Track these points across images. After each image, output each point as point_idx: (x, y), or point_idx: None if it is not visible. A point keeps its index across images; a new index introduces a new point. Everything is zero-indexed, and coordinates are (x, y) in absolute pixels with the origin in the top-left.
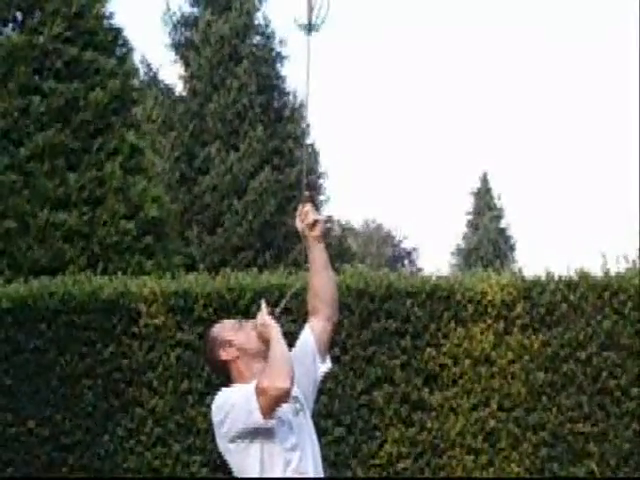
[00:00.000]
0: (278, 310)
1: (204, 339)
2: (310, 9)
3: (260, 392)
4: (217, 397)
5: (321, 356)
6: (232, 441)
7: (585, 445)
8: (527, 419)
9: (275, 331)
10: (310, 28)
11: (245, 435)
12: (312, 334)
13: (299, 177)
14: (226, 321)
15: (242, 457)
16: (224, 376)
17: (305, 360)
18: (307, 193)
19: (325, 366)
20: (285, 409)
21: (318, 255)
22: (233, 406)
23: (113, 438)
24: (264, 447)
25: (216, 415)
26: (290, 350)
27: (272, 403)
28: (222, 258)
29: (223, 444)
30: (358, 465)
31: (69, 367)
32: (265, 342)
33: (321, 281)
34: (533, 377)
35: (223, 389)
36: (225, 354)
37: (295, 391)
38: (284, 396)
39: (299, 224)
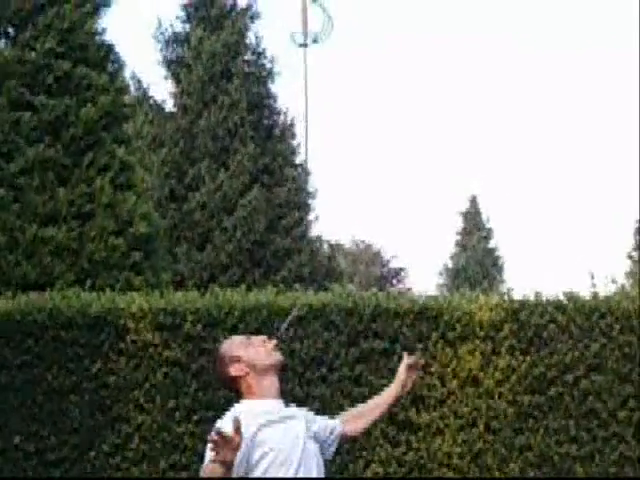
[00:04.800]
0: (283, 327)
1: (214, 355)
2: (305, 26)
3: None
4: (223, 417)
5: (330, 447)
6: None
7: (572, 467)
8: (514, 441)
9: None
10: (306, 44)
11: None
12: (342, 431)
13: (289, 196)
14: (235, 337)
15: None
16: (234, 391)
17: (323, 436)
18: (420, 360)
19: (328, 453)
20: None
21: (394, 397)
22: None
23: (99, 454)
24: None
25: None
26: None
27: None
28: (211, 275)
29: None
30: None
31: (56, 383)
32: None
33: (377, 412)
34: (520, 399)
35: (229, 410)
36: (234, 370)
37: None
38: None
39: (403, 374)
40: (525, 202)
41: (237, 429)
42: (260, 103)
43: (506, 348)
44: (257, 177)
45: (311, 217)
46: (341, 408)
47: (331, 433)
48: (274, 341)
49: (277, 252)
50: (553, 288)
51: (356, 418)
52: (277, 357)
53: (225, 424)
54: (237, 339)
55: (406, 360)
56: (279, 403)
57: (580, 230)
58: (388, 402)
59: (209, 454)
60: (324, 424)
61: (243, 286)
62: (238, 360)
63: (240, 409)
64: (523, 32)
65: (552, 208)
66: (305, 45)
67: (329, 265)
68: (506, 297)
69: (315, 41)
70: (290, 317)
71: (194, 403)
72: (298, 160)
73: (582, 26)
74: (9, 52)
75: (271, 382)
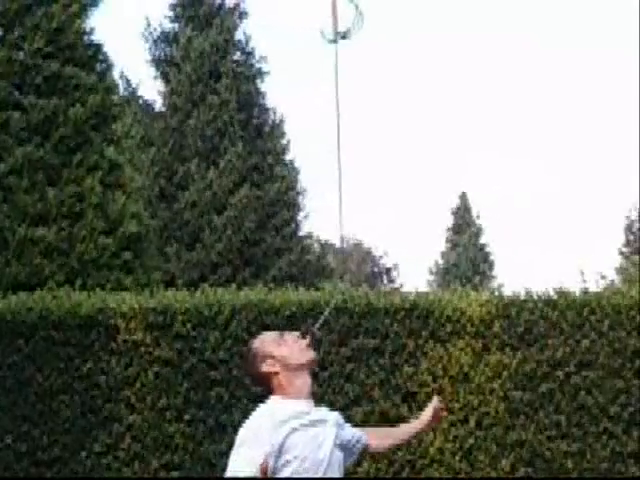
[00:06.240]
0: (317, 326)
1: (245, 352)
2: (335, 21)
3: None
4: (247, 421)
5: (352, 455)
6: None
7: (563, 463)
8: (505, 437)
9: None
10: (336, 40)
11: None
12: (367, 443)
13: (278, 194)
14: (267, 334)
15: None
16: (265, 388)
17: (349, 444)
18: (444, 412)
19: (348, 461)
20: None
21: (423, 430)
22: (239, 447)
23: (91, 454)
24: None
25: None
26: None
27: None
28: (201, 274)
29: None
30: None
31: (47, 383)
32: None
33: (404, 438)
34: (511, 395)
35: (255, 412)
36: (267, 367)
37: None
38: None
39: (429, 416)
40: (516, 199)
41: (265, 474)
42: (249, 102)
43: (497, 345)
44: (247, 176)
45: (301, 215)
46: (332, 405)
47: (357, 442)
48: (307, 339)
49: (267, 251)
50: (543, 284)
51: (384, 436)
52: (310, 355)
53: (255, 450)
54: (269, 336)
55: (435, 402)
56: (309, 403)
57: (571, 226)
58: (410, 433)
59: (234, 457)
60: (352, 432)
61: (233, 285)
62: (271, 357)
63: (265, 412)
64: (517, 30)
65: (543, 204)
66: (335, 41)
67: (319, 263)
68: (496, 294)
69: (344, 37)
70: (324, 314)
71: (185, 402)
72: (289, 157)
73: (575, 21)
74: None
75: (304, 381)
